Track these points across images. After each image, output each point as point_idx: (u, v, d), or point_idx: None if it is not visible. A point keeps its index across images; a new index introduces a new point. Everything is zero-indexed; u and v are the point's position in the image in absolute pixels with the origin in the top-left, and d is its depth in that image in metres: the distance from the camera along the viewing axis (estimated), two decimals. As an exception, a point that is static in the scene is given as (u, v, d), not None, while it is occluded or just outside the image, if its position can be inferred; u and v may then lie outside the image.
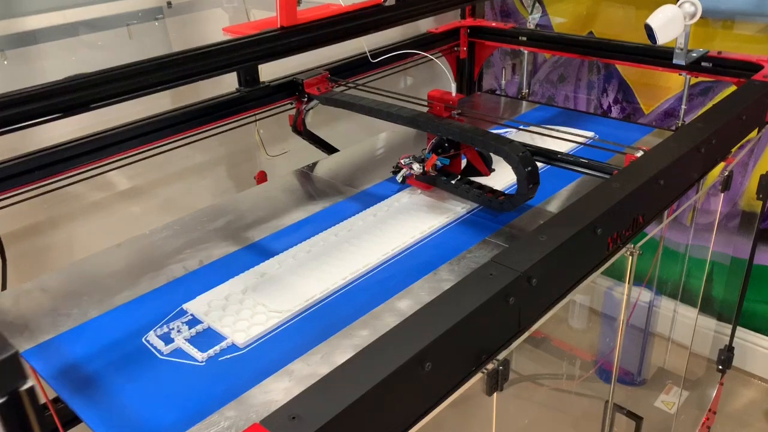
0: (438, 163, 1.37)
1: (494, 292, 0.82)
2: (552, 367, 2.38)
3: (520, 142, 1.26)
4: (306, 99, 1.61)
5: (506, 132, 1.70)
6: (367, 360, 0.72)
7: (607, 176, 1.22)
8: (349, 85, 1.60)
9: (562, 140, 1.44)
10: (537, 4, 2.46)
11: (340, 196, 1.54)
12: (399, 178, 1.43)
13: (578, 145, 1.63)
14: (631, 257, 1.08)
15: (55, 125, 1.65)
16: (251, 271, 1.26)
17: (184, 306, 1.17)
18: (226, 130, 1.68)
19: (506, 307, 0.84)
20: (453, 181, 1.37)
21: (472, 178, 1.40)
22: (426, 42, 2.10)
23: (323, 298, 1.18)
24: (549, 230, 0.94)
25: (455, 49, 2.22)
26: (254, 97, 1.63)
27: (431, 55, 2.18)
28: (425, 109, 1.46)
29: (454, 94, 1.38)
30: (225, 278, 1.24)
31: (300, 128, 1.70)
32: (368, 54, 1.73)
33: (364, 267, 1.24)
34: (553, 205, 1.38)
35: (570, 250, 0.94)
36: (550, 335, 2.56)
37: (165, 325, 1.12)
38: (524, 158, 1.19)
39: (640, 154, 1.19)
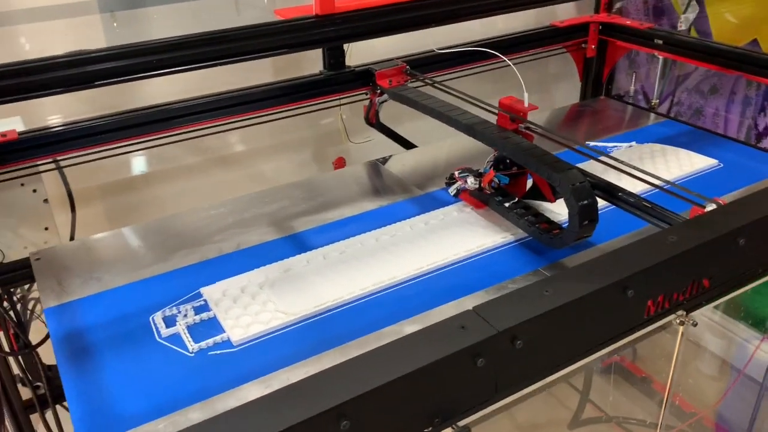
0: (496, 180, 1.22)
1: (457, 349, 0.70)
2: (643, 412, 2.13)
3: (581, 170, 1.08)
4: (379, 91, 1.52)
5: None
6: (275, 404, 0.64)
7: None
8: (426, 80, 1.49)
9: (632, 176, 1.20)
10: (693, 2, 2.16)
11: (402, 196, 1.44)
12: (452, 191, 1.31)
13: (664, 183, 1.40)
14: (681, 328, 0.89)
15: (152, 87, 1.71)
16: (277, 264, 1.21)
17: (201, 290, 1.15)
18: (308, 112, 1.64)
19: (473, 369, 0.71)
20: (507, 204, 1.22)
21: (534, 202, 1.24)
22: (547, 36, 1.91)
23: (336, 306, 1.10)
24: (558, 283, 0.79)
25: (583, 46, 2.00)
26: (336, 82, 1.57)
27: (554, 50, 2.00)
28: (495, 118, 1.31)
29: (526, 104, 1.22)
30: (253, 266, 1.21)
31: (372, 120, 1.62)
32: (436, 50, 1.60)
33: (389, 279, 1.15)
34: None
35: (582, 311, 0.78)
36: (653, 375, 2.30)
37: (176, 307, 1.11)
38: (579, 190, 1.02)
39: (712, 207, 0.97)
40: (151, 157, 1.86)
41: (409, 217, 1.34)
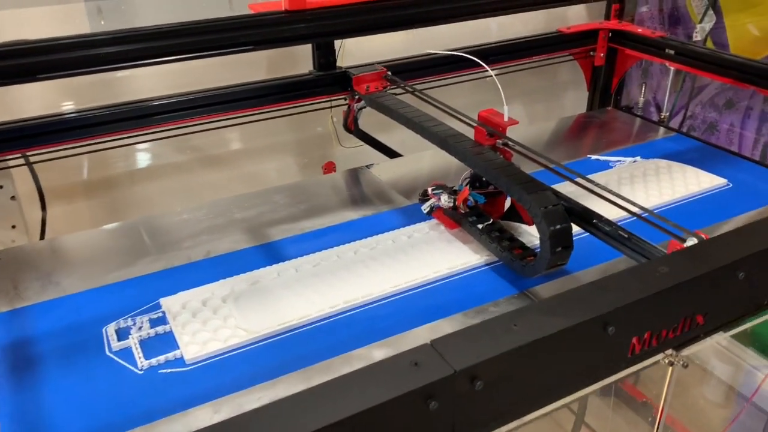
0: (472, 199, 1.13)
1: (406, 390, 0.62)
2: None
3: (556, 192, 0.99)
4: (357, 97, 1.44)
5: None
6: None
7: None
8: (406, 87, 1.39)
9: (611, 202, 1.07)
10: (710, 11, 2.06)
11: (388, 206, 1.37)
12: (425, 208, 1.21)
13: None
14: (670, 368, 0.80)
15: (139, 82, 1.65)
16: (246, 276, 1.14)
17: (161, 300, 1.08)
18: (296, 113, 1.57)
19: (425, 413, 0.63)
20: (480, 225, 1.14)
21: (513, 224, 1.16)
22: (551, 42, 1.83)
23: (302, 324, 1.03)
24: (529, 317, 0.70)
25: (591, 54, 1.91)
26: (325, 83, 1.50)
27: (559, 57, 1.91)
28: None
29: (506, 118, 1.13)
30: (220, 277, 1.14)
31: (351, 127, 1.53)
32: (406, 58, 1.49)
33: (362, 297, 1.07)
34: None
35: (555, 349, 0.70)
36: (655, 400, 2.20)
37: (132, 318, 1.04)
38: (551, 213, 0.93)
39: (692, 243, 0.86)
40: (136, 155, 1.80)
41: (393, 229, 1.26)
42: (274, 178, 1.91)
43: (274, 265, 1.16)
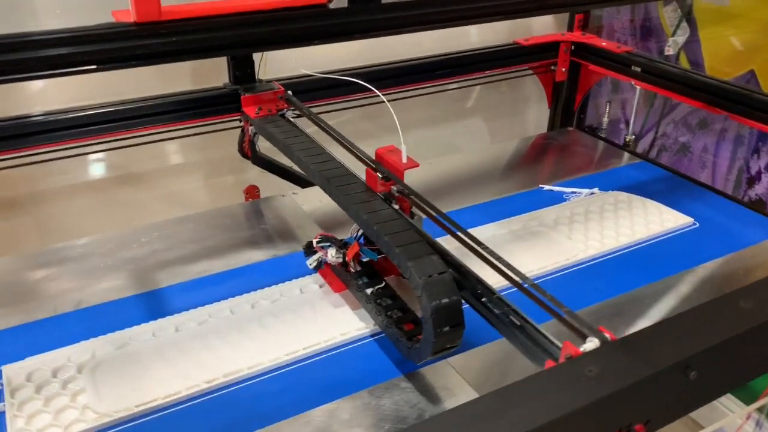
0: (364, 256, 0.94)
1: None
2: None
3: (446, 256, 0.81)
4: (248, 120, 1.24)
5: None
6: None
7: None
8: (304, 111, 1.17)
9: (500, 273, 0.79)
10: (684, 23, 1.89)
11: (301, 245, 1.18)
12: (311, 263, 1.02)
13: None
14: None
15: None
16: (115, 336, 0.95)
17: (3, 368, 0.89)
18: (212, 131, 1.38)
19: None
20: (370, 290, 0.95)
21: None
22: (507, 55, 1.65)
23: (168, 405, 0.84)
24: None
25: (552, 68, 1.74)
26: (227, 101, 1.30)
27: (519, 72, 1.74)
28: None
29: (404, 158, 0.93)
30: (87, 334, 0.95)
31: (247, 153, 1.33)
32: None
33: (248, 369, 0.89)
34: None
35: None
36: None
37: (-40, 392, 0.85)
38: (434, 284, 0.75)
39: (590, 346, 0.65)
40: (41, 172, 1.59)
41: (306, 274, 1.08)
42: (201, 198, 1.72)
43: (152, 322, 0.98)
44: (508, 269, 0.75)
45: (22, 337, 0.96)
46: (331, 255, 0.94)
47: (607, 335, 0.63)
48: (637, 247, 1.20)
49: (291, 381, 0.88)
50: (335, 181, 0.93)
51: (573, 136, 1.70)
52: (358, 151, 0.98)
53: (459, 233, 0.83)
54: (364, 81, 1.08)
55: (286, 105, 1.21)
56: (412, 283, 0.76)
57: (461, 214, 1.29)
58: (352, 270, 0.96)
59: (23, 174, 1.52)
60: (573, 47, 1.70)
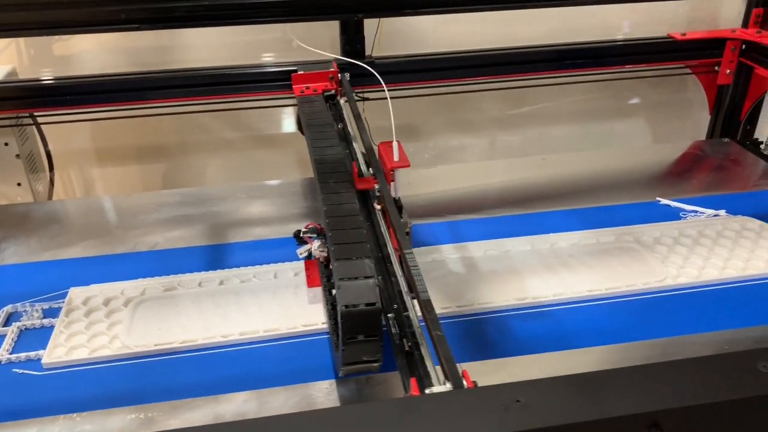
0: None
1: None
2: None
3: (383, 263, 0.72)
4: None
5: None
6: None
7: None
8: (357, 93, 1.12)
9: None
10: None
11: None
12: (301, 252, 0.94)
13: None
14: None
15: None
16: (166, 279, 1.03)
17: (70, 290, 1.01)
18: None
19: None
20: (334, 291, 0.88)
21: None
22: (659, 50, 1.47)
23: (181, 350, 0.89)
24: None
25: (715, 69, 1.52)
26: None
27: (674, 68, 1.55)
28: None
29: (396, 157, 0.86)
30: (149, 274, 1.04)
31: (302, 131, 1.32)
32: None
33: (264, 332, 0.91)
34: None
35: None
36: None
37: (32, 303, 0.98)
38: (352, 289, 0.68)
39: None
40: (181, 125, 1.75)
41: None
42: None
43: (203, 273, 1.04)
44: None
45: (100, 266, 1.08)
46: (316, 247, 0.90)
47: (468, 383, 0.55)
48: (743, 284, 1.01)
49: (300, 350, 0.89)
50: (321, 168, 0.90)
51: (727, 149, 1.47)
52: (365, 143, 0.95)
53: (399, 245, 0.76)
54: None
55: (335, 86, 1.19)
56: (335, 286, 0.70)
57: (547, 217, 1.18)
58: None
59: (173, 125, 1.70)
60: (743, 46, 1.47)
